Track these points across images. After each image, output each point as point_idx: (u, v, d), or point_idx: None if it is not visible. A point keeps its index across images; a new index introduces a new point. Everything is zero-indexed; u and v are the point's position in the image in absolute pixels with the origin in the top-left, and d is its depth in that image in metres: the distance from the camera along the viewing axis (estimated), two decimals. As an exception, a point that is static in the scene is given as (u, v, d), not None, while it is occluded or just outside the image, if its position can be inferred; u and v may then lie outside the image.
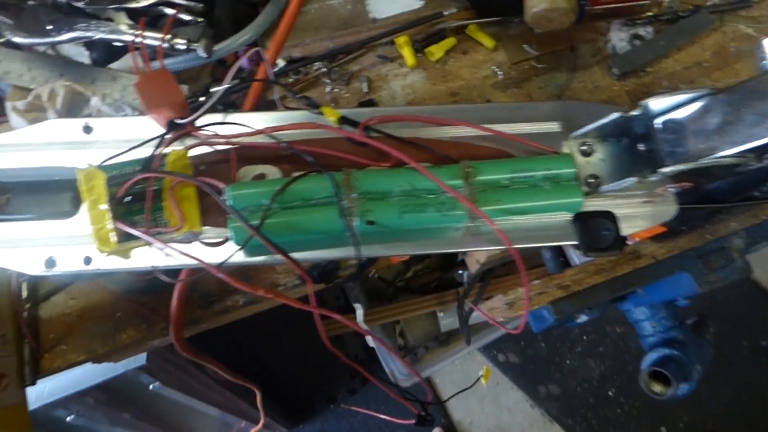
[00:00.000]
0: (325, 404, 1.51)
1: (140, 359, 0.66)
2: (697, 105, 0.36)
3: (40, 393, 0.61)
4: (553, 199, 0.38)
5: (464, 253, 0.62)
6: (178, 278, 0.43)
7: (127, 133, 0.39)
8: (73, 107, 0.50)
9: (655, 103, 0.37)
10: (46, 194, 0.39)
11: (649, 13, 0.54)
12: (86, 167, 0.35)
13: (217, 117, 0.40)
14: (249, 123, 0.39)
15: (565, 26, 0.49)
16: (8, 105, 0.50)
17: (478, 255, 0.52)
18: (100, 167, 0.36)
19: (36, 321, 0.48)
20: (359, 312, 0.37)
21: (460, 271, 1.34)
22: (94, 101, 0.50)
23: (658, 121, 0.38)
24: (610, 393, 1.53)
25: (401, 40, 0.55)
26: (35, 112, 0.50)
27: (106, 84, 0.52)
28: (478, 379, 0.48)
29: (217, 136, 0.38)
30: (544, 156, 0.40)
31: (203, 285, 0.49)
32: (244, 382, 0.64)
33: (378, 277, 1.43)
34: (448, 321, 1.42)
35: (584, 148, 0.41)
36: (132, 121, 0.40)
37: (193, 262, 0.35)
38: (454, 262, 1.50)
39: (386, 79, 0.55)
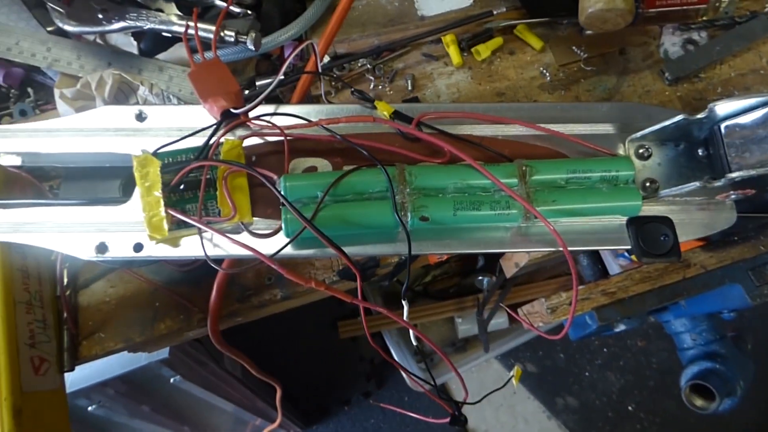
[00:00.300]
0: (339, 406, 1.50)
1: (163, 352, 0.66)
2: (763, 111, 0.35)
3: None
4: (610, 201, 0.37)
5: (501, 255, 0.61)
6: (222, 267, 0.43)
7: (180, 122, 0.39)
8: (121, 96, 0.50)
9: (722, 107, 0.36)
10: (96, 181, 0.39)
11: (704, 18, 0.53)
12: (141, 154, 0.35)
13: (269, 108, 0.39)
14: (302, 114, 0.39)
15: (620, 27, 0.48)
16: (56, 92, 0.50)
17: (518, 258, 0.51)
18: (155, 154, 0.35)
19: (76, 308, 0.48)
20: (405, 309, 0.36)
21: (480, 277, 1.32)
22: (142, 91, 0.50)
23: (722, 126, 0.37)
24: (629, 408, 1.49)
25: (448, 38, 0.54)
26: (83, 101, 0.50)
27: (153, 74, 0.52)
28: (509, 379, 0.47)
29: (271, 126, 0.37)
30: (601, 157, 0.39)
31: (241, 278, 0.49)
32: (268, 379, 0.63)
33: (396, 281, 1.42)
34: (466, 327, 1.40)
35: (641, 151, 0.40)
36: (185, 110, 0.39)
37: (244, 251, 0.34)
38: (474, 267, 1.48)
39: (431, 77, 0.54)
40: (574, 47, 0.54)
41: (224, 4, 0.50)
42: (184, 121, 0.39)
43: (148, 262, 0.44)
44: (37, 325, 0.43)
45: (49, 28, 0.53)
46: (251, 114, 0.38)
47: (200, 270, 0.48)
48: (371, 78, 0.55)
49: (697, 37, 0.53)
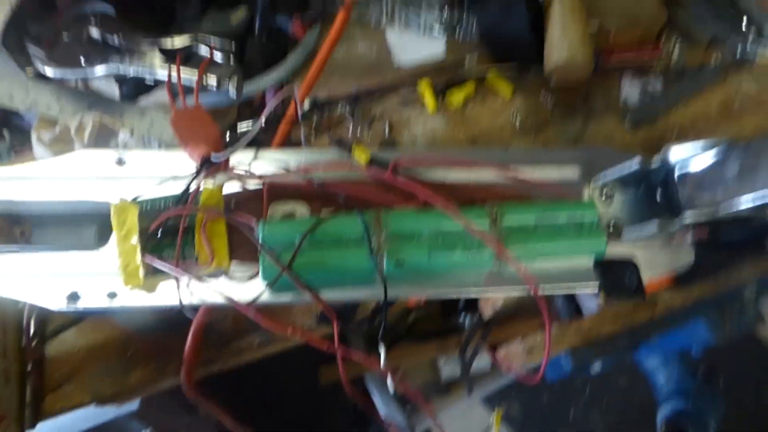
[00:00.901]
0: (320, 455, 1.45)
1: (132, 404, 0.63)
2: (714, 156, 0.37)
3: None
4: (577, 244, 0.39)
5: (478, 299, 0.61)
6: (198, 315, 0.42)
7: (160, 168, 0.39)
8: (101, 140, 0.50)
9: (674, 152, 0.38)
10: (70, 227, 0.39)
11: (659, 69, 0.57)
12: (119, 201, 0.35)
13: (249, 154, 0.40)
14: (280, 160, 0.40)
15: (581, 81, 0.51)
16: (34, 135, 0.50)
17: (494, 300, 0.52)
18: (133, 201, 0.36)
19: (41, 359, 0.46)
20: (382, 354, 0.37)
21: (462, 316, 1.32)
22: (123, 135, 0.50)
23: (677, 170, 0.40)
24: (614, 448, 1.48)
25: (423, 84, 0.57)
26: (61, 144, 0.50)
27: (134, 118, 0.53)
28: (490, 427, 0.47)
29: (250, 173, 0.38)
30: (568, 201, 0.41)
31: (218, 325, 0.48)
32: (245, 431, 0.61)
33: (379, 322, 1.41)
34: (448, 369, 1.39)
35: (605, 191, 0.42)
36: (165, 156, 0.40)
37: (220, 298, 0.34)
38: (456, 306, 1.48)
39: (407, 123, 0.56)
40: (541, 96, 0.57)
41: (207, 52, 0.52)
42: (164, 167, 0.40)
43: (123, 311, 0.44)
44: (-1, 376, 0.41)
45: (29, 72, 0.54)
46: (231, 159, 0.39)
47: (176, 315, 0.48)
48: (350, 123, 0.56)
49: (653, 86, 0.57)
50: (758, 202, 0.34)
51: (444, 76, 0.58)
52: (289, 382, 1.44)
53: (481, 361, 1.40)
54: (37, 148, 0.50)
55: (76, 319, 0.46)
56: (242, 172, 0.38)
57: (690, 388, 0.55)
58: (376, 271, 0.36)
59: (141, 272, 0.34)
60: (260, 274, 0.35)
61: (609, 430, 1.47)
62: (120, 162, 0.39)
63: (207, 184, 0.38)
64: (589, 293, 0.43)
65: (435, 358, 1.39)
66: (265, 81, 0.53)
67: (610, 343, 0.47)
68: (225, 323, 0.48)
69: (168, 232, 0.36)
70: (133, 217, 0.35)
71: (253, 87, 0.52)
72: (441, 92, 0.57)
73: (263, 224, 0.36)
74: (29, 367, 0.43)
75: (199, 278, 0.35)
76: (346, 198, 0.38)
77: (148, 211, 0.36)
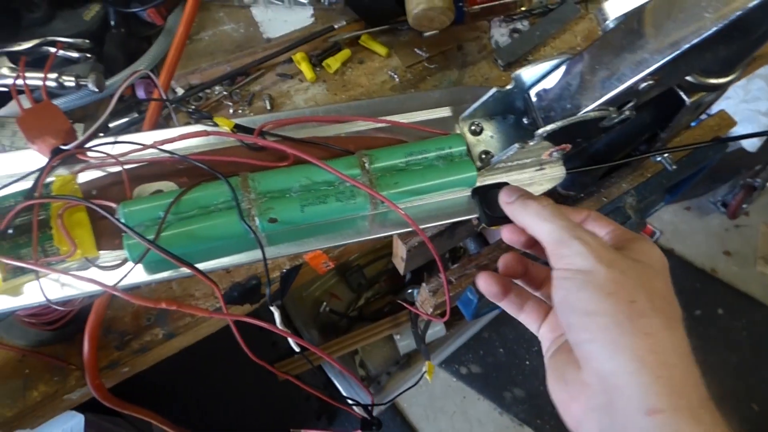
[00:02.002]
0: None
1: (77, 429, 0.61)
2: (560, 71, 0.39)
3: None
4: (448, 175, 0.40)
5: (425, 266, 0.62)
6: (90, 315, 0.41)
7: (9, 168, 0.37)
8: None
9: (526, 73, 0.40)
10: None
11: (523, 9, 0.59)
12: (-41, 204, 0.33)
13: (108, 141, 0.39)
14: (142, 141, 0.39)
15: (446, 25, 0.52)
16: None
17: (399, 251, 0.53)
18: (-23, 203, 0.34)
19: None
20: (276, 315, 0.36)
21: (410, 290, 1.35)
22: (-20, 149, 0.47)
23: (532, 93, 0.42)
24: (572, 386, 1.55)
25: (298, 56, 0.56)
26: None
27: (-8, 132, 0.50)
28: (422, 376, 0.48)
29: (106, 156, 0.37)
30: (435, 137, 0.42)
31: (118, 324, 0.46)
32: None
33: (330, 311, 1.41)
34: (405, 343, 1.41)
35: (474, 128, 0.44)
36: (16, 155, 0.38)
37: (89, 286, 0.33)
38: (403, 282, 1.51)
39: (288, 95, 0.56)
40: (416, 49, 0.58)
41: (59, 51, 0.49)
42: (13, 167, 0.37)
43: (4, 327, 0.41)
44: None
45: None
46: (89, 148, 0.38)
47: (70, 326, 0.46)
48: (230, 104, 0.55)
49: (521, 26, 0.59)
50: (597, 102, 0.36)
51: (318, 47, 0.58)
52: (247, 385, 1.41)
53: (434, 328, 1.43)
54: None
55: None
56: (98, 158, 0.37)
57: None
58: (250, 232, 0.35)
59: (3, 275, 0.32)
60: (126, 253, 0.34)
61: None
62: (-36, 169, 0.37)
63: (59, 175, 0.36)
64: (469, 221, 0.45)
65: (390, 334, 1.41)
66: (129, 73, 0.51)
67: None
68: (123, 322, 0.46)
69: (24, 230, 0.34)
70: (-25, 219, 0.33)
71: (116, 80, 0.50)
72: (318, 62, 0.57)
73: (123, 204, 0.35)
74: None
75: (65, 271, 0.34)
76: (215, 167, 0.37)
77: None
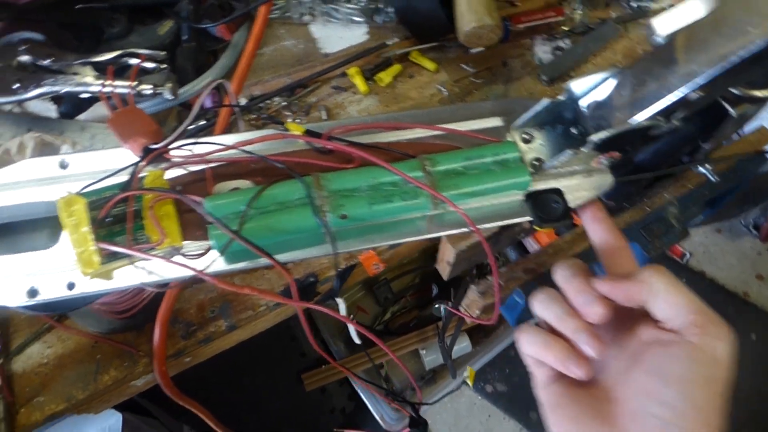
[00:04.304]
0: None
1: (115, 428, 0.63)
2: (611, 83, 0.42)
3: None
4: (503, 179, 0.42)
5: (455, 283, 0.64)
6: (162, 303, 0.43)
7: (102, 165, 0.41)
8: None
9: (576, 85, 0.43)
10: (17, 235, 0.40)
11: (565, 28, 0.62)
12: (66, 194, 0.37)
13: (189, 142, 0.42)
14: (222, 142, 0.42)
15: (494, 42, 0.56)
16: (-24, 162, 0.51)
17: (446, 255, 0.55)
18: (80, 193, 0.37)
19: (9, 376, 0.46)
20: (342, 306, 0.39)
21: (437, 305, 1.36)
22: (65, 149, 0.51)
23: (582, 103, 0.44)
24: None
25: (352, 70, 0.60)
26: (3, 166, 0.51)
27: (75, 134, 0.54)
28: (463, 381, 0.49)
29: (191, 156, 0.40)
30: (490, 144, 0.44)
31: (184, 315, 0.49)
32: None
33: (357, 323, 1.43)
34: (431, 358, 1.41)
35: (525, 136, 0.46)
36: (106, 153, 0.42)
37: (178, 272, 0.36)
38: (430, 297, 1.52)
39: (342, 106, 0.59)
40: (462, 65, 0.61)
41: (136, 62, 0.54)
42: (107, 164, 0.41)
43: (85, 303, 0.44)
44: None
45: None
46: (172, 149, 0.41)
47: (140, 315, 0.49)
48: (288, 113, 0.59)
49: (563, 44, 0.62)
50: (647, 112, 0.38)
51: (370, 61, 0.61)
52: (274, 394, 1.42)
53: (461, 344, 1.43)
54: (-20, 173, 0.51)
55: (40, 332, 0.46)
56: (183, 157, 0.40)
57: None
58: (322, 227, 0.38)
59: (96, 258, 0.35)
60: (211, 243, 0.37)
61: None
62: (63, 165, 0.41)
63: (150, 170, 0.39)
64: (523, 223, 0.46)
65: (416, 349, 1.41)
66: (200, 83, 0.55)
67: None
68: (189, 313, 0.49)
69: (118, 220, 0.38)
70: (81, 207, 0.36)
71: (188, 89, 0.55)
72: (370, 75, 0.61)
73: (208, 198, 0.38)
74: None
75: (155, 257, 0.37)
76: (287, 166, 0.40)
77: (96, 200, 0.37)
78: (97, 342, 0.48)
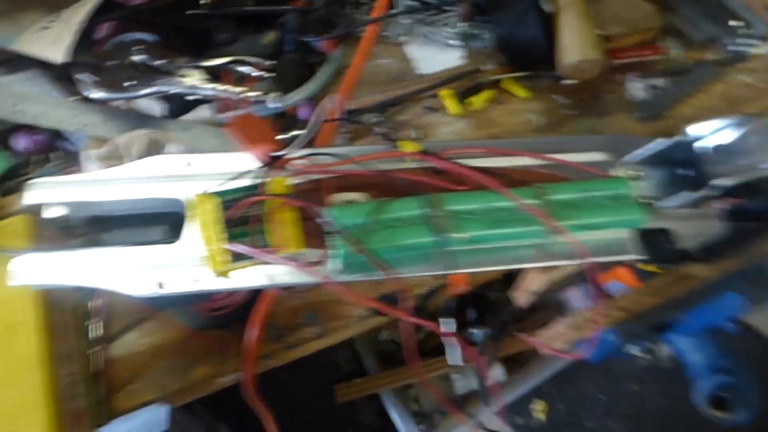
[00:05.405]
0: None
1: (160, 424, 0.64)
2: (733, 129, 0.42)
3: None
4: (616, 215, 0.42)
5: (490, 308, 0.64)
6: (260, 304, 0.44)
7: (223, 167, 0.42)
8: (150, 155, 0.53)
9: (692, 129, 0.43)
10: (145, 225, 0.41)
11: (660, 67, 0.62)
12: (201, 193, 0.38)
13: (306, 152, 0.43)
14: (333, 156, 0.43)
15: (593, 76, 0.56)
16: (86, 154, 0.53)
17: (534, 285, 0.55)
18: (214, 193, 0.38)
19: (109, 360, 0.48)
20: (451, 324, 0.39)
21: (473, 330, 1.34)
22: (170, 148, 0.53)
23: (698, 147, 0.44)
24: (634, 455, 1.47)
25: (444, 92, 0.61)
26: (112, 160, 0.53)
27: (177, 134, 0.56)
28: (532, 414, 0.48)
29: (311, 166, 0.41)
30: (603, 178, 0.44)
31: (275, 319, 0.50)
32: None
33: (390, 340, 1.42)
34: (462, 383, 1.39)
35: (633, 173, 0.46)
36: (225, 157, 0.43)
37: (301, 278, 0.37)
38: (465, 321, 1.50)
39: (432, 126, 0.60)
40: (553, 95, 0.62)
41: (243, 69, 0.55)
42: (226, 167, 0.42)
43: (196, 299, 0.45)
44: (73, 377, 0.42)
45: (72, 98, 0.57)
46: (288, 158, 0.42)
47: (231, 315, 0.49)
48: (378, 130, 0.60)
49: (657, 83, 0.62)
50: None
51: (462, 85, 0.62)
52: (303, 403, 1.41)
53: (494, 372, 1.41)
54: (89, 165, 0.53)
55: (138, 320, 0.48)
56: (305, 166, 0.41)
57: (726, 365, 0.57)
58: (437, 246, 0.38)
59: (226, 257, 0.36)
60: (336, 254, 0.37)
61: (628, 432, 1.47)
62: (188, 165, 0.42)
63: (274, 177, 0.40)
64: (633, 261, 0.46)
65: (447, 373, 1.39)
66: (302, 93, 0.57)
67: (650, 315, 0.49)
68: (280, 317, 0.49)
69: (242, 222, 0.39)
70: (214, 208, 0.37)
71: (290, 99, 0.56)
72: (461, 99, 0.61)
73: (333, 208, 0.38)
74: (101, 368, 0.44)
75: (278, 261, 0.37)
76: (401, 184, 0.41)
77: (227, 201, 0.38)
78: (191, 337, 0.48)
